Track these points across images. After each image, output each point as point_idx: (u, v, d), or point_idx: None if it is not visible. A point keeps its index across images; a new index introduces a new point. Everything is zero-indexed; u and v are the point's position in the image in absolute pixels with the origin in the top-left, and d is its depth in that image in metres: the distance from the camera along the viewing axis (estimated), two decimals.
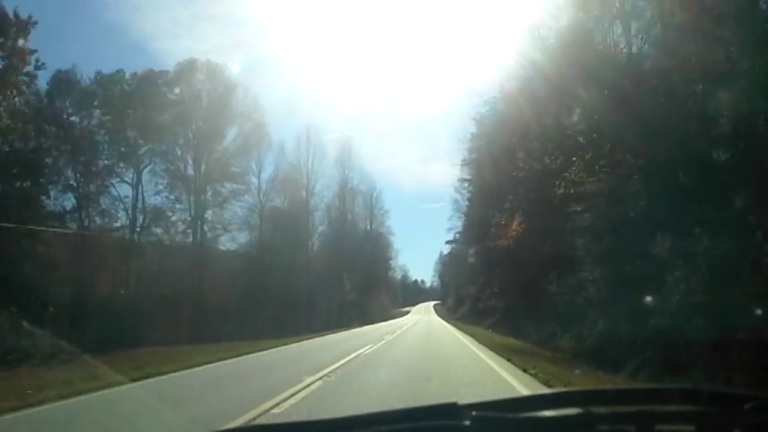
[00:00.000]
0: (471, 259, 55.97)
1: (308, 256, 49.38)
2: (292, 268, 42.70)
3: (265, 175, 45.20)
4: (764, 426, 1.30)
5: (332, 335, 29.56)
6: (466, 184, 50.10)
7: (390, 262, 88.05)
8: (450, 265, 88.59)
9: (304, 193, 50.90)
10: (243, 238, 43.67)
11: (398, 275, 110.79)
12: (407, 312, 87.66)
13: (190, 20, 40.42)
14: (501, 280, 32.61)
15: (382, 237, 77.83)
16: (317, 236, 56.64)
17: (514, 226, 24.61)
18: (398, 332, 29.59)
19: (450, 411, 1.28)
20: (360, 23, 73.18)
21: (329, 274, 54.60)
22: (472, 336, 25.21)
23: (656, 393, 1.48)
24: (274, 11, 58.21)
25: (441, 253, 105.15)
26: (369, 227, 74.04)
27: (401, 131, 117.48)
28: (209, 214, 38.94)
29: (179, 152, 37.30)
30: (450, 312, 69.26)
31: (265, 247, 43.14)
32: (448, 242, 66.57)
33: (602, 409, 1.36)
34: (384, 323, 47.22)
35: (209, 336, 27.43)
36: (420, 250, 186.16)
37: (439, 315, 70.83)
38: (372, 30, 71.63)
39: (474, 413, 1.24)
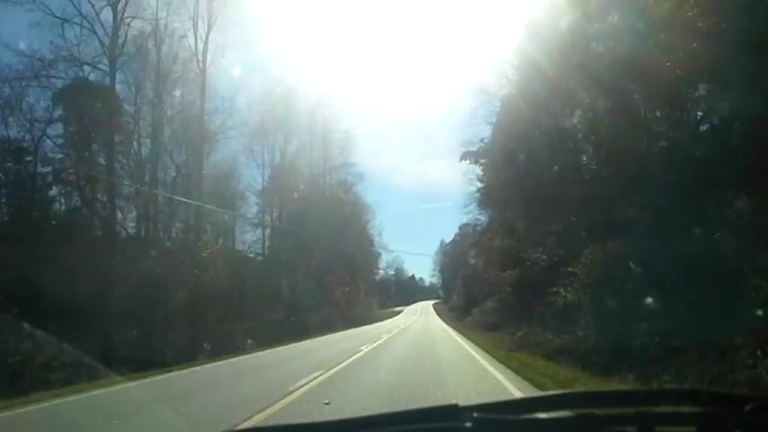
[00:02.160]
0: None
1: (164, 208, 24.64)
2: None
3: None
4: (765, 427, 1.30)
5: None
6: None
7: (373, 238, 55.92)
8: (453, 254, 66.99)
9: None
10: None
11: (389, 267, 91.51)
12: (398, 313, 65.96)
13: (183, 19, 39.62)
14: None
15: (351, 193, 47.75)
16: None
17: None
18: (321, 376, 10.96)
19: (451, 413, 1.29)
20: (357, 22, 72.99)
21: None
22: None
23: (656, 395, 1.48)
24: (272, 8, 58.04)
25: (442, 242, 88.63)
26: (328, 175, 43.11)
27: (399, 132, 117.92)
28: None
29: None
30: (458, 314, 47.37)
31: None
32: (464, 157, 29.63)
33: (602, 411, 1.36)
34: (323, 338, 26.95)
35: None
36: (418, 251, 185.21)
37: (441, 318, 51.11)
38: (370, 29, 71.52)
39: (475, 415, 1.25)
